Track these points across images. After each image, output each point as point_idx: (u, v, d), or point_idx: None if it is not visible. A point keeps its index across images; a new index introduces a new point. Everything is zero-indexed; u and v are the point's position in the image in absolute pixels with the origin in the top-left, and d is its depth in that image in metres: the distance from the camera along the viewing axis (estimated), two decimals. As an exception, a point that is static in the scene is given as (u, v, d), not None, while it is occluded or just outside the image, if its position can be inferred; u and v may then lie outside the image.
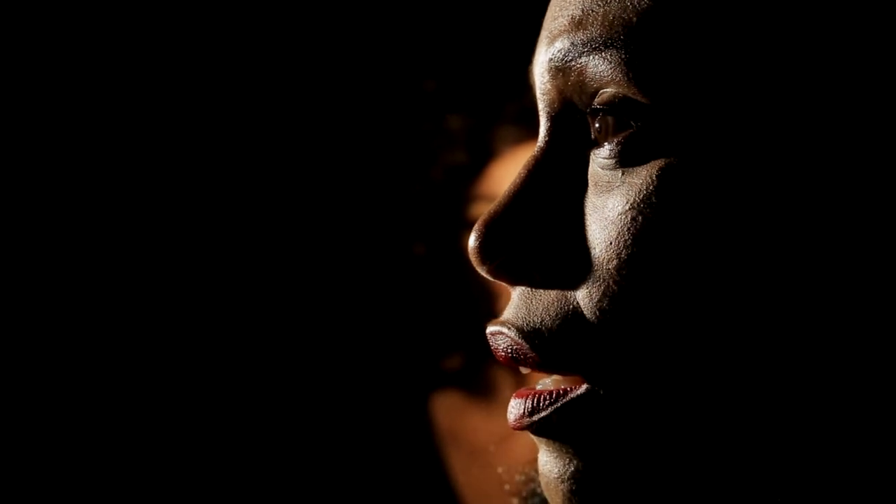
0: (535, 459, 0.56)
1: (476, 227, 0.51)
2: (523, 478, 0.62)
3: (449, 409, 1.65)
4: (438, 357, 1.68)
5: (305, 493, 1.66)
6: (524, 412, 0.50)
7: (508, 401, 1.62)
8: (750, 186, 0.44)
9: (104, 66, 1.74)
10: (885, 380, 0.43)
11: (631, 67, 0.45)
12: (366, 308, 1.85)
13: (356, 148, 1.86)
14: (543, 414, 0.49)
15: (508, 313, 0.51)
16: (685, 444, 0.46)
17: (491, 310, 1.56)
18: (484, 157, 1.57)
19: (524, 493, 0.61)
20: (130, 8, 1.75)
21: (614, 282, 0.46)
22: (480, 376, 1.65)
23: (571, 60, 0.48)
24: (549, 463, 0.50)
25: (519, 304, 0.51)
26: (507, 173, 1.56)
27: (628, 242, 0.46)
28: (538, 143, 0.52)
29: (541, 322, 0.49)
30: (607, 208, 0.47)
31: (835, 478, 0.43)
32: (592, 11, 0.47)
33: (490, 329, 0.52)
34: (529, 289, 0.50)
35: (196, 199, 1.82)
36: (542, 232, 0.50)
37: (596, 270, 0.47)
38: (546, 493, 0.51)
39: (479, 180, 1.58)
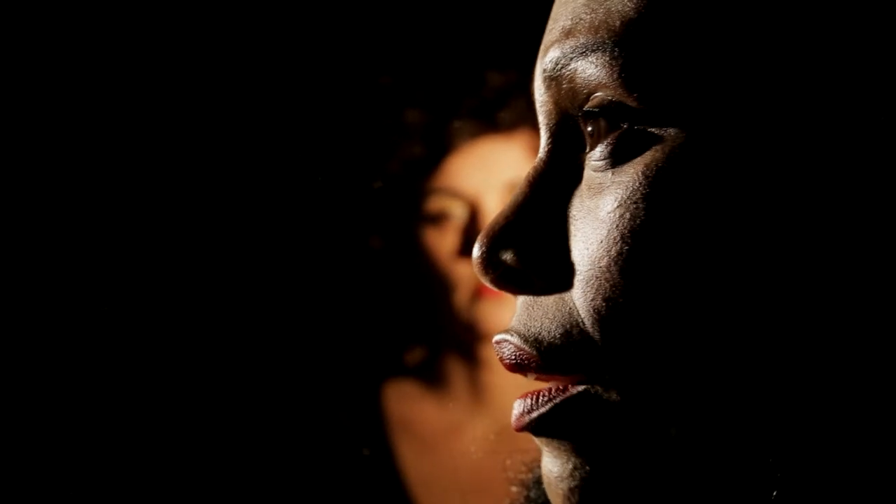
0: (529, 449, 0.58)
1: (479, 238, 0.52)
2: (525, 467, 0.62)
3: (401, 399, 1.66)
4: (392, 347, 1.69)
5: (258, 480, 1.65)
6: (523, 410, 0.51)
7: (461, 391, 1.62)
8: (733, 183, 0.46)
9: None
10: (886, 378, 0.44)
11: (616, 69, 0.47)
12: (321, 299, 1.84)
13: (314, 142, 1.85)
14: (542, 410, 0.50)
15: (513, 321, 0.53)
16: (682, 440, 0.47)
17: (447, 302, 1.58)
18: (441, 150, 1.57)
19: (528, 482, 0.62)
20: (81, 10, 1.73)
21: (605, 279, 0.47)
22: (433, 367, 1.66)
23: (562, 68, 0.50)
24: (549, 463, 0.51)
25: (521, 312, 0.52)
26: (464, 167, 1.57)
27: (616, 239, 0.47)
28: (539, 155, 0.53)
29: (541, 326, 0.50)
30: (599, 209, 0.48)
31: (832, 472, 0.44)
32: (581, 20, 0.49)
33: (496, 338, 0.53)
34: (532, 296, 0.52)
35: (153, 192, 1.80)
36: (541, 240, 0.51)
37: (589, 270, 0.48)
38: (548, 495, 0.52)
39: (437, 174, 1.58)
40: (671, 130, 0.47)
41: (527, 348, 0.51)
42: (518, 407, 0.52)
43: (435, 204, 1.58)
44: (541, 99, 0.53)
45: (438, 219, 1.57)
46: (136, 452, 1.75)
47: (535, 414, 0.51)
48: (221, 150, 1.84)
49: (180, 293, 1.83)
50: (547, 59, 0.51)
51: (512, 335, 0.52)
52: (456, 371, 1.63)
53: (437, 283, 1.59)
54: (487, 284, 0.53)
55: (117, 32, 1.75)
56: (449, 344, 1.64)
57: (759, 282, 0.45)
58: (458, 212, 1.57)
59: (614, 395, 0.48)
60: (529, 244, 0.51)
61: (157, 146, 1.82)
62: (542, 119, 0.53)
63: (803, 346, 0.45)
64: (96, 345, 1.76)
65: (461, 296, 1.57)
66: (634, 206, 0.47)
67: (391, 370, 1.68)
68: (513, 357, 0.52)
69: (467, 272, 1.55)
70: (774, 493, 0.44)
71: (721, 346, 0.46)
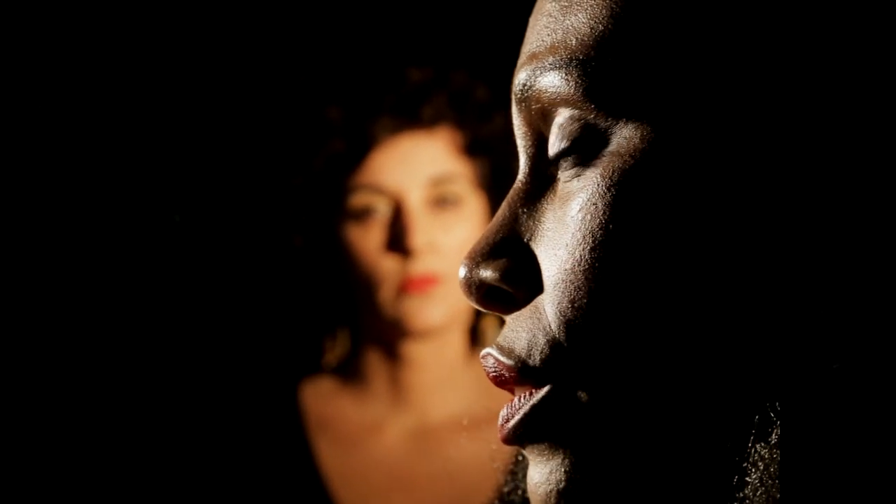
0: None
1: (463, 260, 0.54)
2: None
3: (320, 397, 1.65)
4: (314, 345, 1.67)
5: (174, 480, 1.63)
6: (502, 421, 0.53)
7: (381, 389, 1.62)
8: (687, 184, 0.48)
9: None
10: (872, 383, 0.45)
11: (573, 81, 0.50)
12: (243, 296, 1.83)
13: (232, 140, 1.84)
14: (516, 419, 0.52)
15: (498, 336, 0.55)
16: (652, 439, 0.49)
17: (371, 299, 1.57)
18: (363, 146, 1.56)
19: (512, 468, 0.63)
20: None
21: (570, 282, 0.49)
22: (355, 364, 1.65)
23: (529, 89, 0.53)
24: (531, 470, 0.53)
25: (505, 326, 0.54)
26: (386, 162, 1.56)
27: (579, 241, 0.49)
28: (518, 177, 0.55)
29: (516, 336, 0.52)
30: (566, 215, 0.51)
31: (810, 468, 0.45)
32: (543, 42, 0.52)
33: (482, 353, 0.55)
34: (517, 311, 0.53)
35: (66, 189, 1.78)
36: (520, 256, 0.53)
37: (556, 274, 0.50)
38: (532, 501, 0.53)
39: (359, 170, 1.57)
40: (628, 135, 0.49)
41: (503, 359, 0.52)
42: (500, 418, 0.53)
43: (358, 200, 1.57)
44: (516, 122, 0.55)
45: (361, 215, 1.57)
46: (51, 453, 1.73)
47: (511, 423, 0.52)
48: (142, 148, 1.83)
49: (100, 291, 1.81)
50: (516, 82, 0.54)
51: (493, 348, 0.54)
52: (377, 368, 1.63)
53: (360, 280, 1.58)
54: (474, 305, 0.55)
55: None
56: (371, 341, 1.63)
57: (710, 281, 0.47)
58: (381, 207, 1.56)
59: (583, 396, 0.50)
60: (509, 261, 0.53)
61: (68, 141, 1.79)
62: (519, 143, 0.56)
63: (765, 339, 0.47)
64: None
65: (385, 292, 1.56)
66: (594, 207, 0.49)
67: (312, 368, 1.67)
68: (493, 370, 0.53)
69: (392, 268, 1.55)
70: (746, 487, 0.46)
71: (684, 344, 0.48)
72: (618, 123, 0.49)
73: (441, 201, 1.56)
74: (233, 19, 1.84)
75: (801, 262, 0.46)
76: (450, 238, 1.55)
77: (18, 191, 1.77)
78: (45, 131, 1.77)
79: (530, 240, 0.53)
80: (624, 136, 0.49)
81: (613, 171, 0.49)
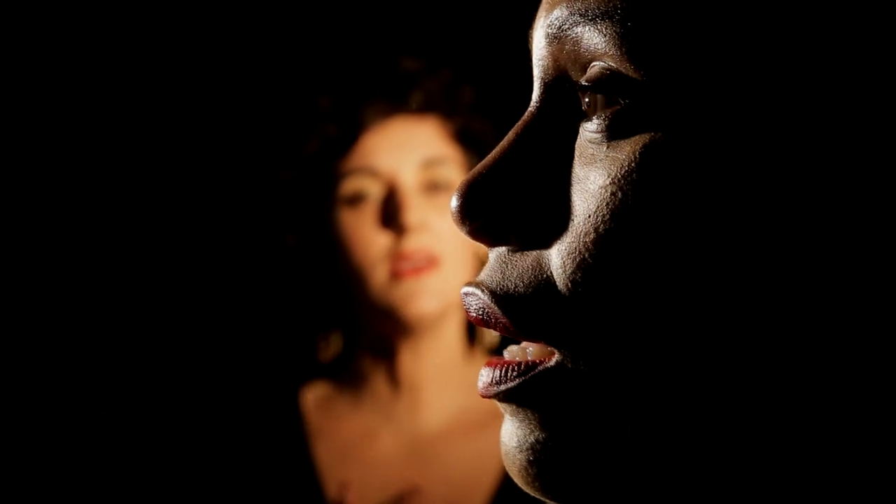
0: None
1: (459, 186, 0.52)
2: None
3: (317, 402, 1.62)
4: (309, 347, 1.64)
5: (172, 484, 1.60)
6: (491, 381, 0.51)
7: (377, 393, 1.60)
8: (735, 171, 0.44)
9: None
10: (872, 375, 0.43)
11: (625, 41, 0.46)
12: (235, 298, 1.82)
13: (224, 136, 1.83)
14: (510, 385, 0.50)
15: (484, 274, 0.52)
16: (650, 423, 0.47)
17: (366, 283, 1.54)
18: (354, 131, 1.55)
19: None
20: None
21: (590, 255, 0.47)
22: (349, 368, 1.63)
23: (568, 29, 0.48)
24: (509, 433, 0.51)
25: (494, 267, 0.52)
26: (378, 145, 1.55)
27: (607, 217, 0.46)
28: (529, 108, 0.52)
29: (514, 287, 0.50)
30: (589, 180, 0.48)
31: (808, 458, 0.44)
32: None
33: (464, 289, 0.53)
34: (507, 252, 0.52)
35: (54, 187, 1.77)
36: (524, 196, 0.50)
37: (572, 242, 0.48)
38: (504, 462, 0.52)
39: (350, 154, 1.56)
40: (675, 112, 0.46)
41: (496, 308, 0.51)
42: (486, 375, 0.52)
43: (351, 184, 1.55)
44: (539, 53, 0.52)
45: (355, 200, 1.55)
46: (51, 455, 1.72)
47: (503, 387, 0.50)
48: (132, 146, 1.82)
49: (95, 297, 1.79)
50: (552, 17, 0.50)
51: (483, 291, 0.51)
52: (374, 372, 1.61)
53: (354, 265, 1.55)
54: (465, 235, 0.53)
55: None
56: (367, 343, 1.61)
57: (746, 274, 0.45)
58: (374, 191, 1.55)
59: (583, 370, 0.48)
60: (512, 198, 0.51)
61: (52, 136, 1.79)
62: (537, 72, 0.52)
63: (781, 341, 0.45)
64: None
65: (379, 275, 1.53)
66: (628, 185, 0.46)
67: (309, 372, 1.65)
68: (481, 312, 0.51)
69: (386, 246, 1.53)
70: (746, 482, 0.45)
71: (697, 334, 0.46)
72: (664, 98, 0.45)
73: (434, 185, 1.55)
74: (222, 10, 1.84)
75: (830, 267, 0.44)
76: (443, 222, 1.53)
77: (9, 187, 1.76)
78: (41, 128, 1.77)
79: (536, 181, 0.50)
80: (670, 114, 0.45)
81: (656, 152, 0.45)
